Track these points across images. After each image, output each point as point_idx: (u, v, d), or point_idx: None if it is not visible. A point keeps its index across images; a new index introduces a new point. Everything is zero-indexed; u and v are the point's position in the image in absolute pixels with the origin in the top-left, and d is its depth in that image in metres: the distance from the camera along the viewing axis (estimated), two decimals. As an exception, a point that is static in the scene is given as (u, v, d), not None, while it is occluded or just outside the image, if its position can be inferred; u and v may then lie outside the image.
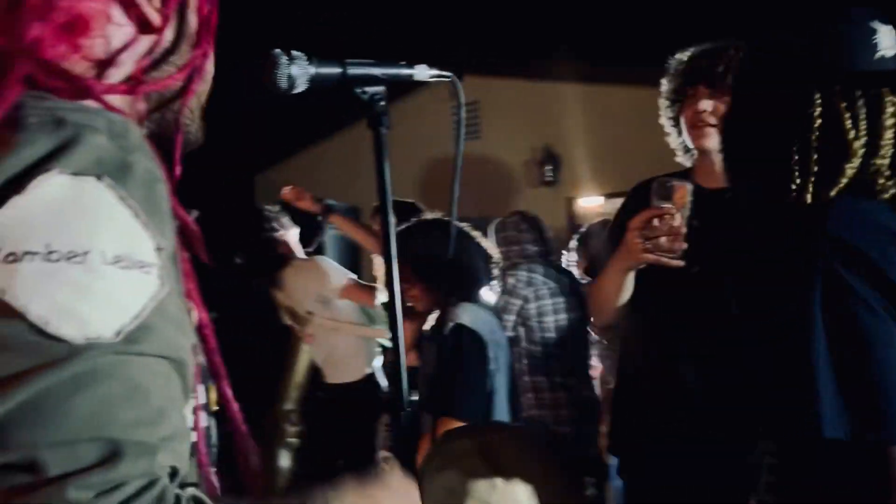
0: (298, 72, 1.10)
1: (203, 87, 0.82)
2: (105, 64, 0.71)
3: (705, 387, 1.64)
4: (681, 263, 1.67)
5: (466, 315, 2.26)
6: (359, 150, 9.13)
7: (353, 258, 6.49)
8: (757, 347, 1.51)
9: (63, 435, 0.51)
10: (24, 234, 0.53)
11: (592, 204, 7.67)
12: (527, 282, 3.34)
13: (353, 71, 1.16)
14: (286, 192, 3.43)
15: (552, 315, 3.34)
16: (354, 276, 3.65)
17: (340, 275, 3.59)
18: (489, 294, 2.51)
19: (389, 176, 1.20)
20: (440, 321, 2.30)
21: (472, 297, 2.37)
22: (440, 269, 2.17)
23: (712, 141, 1.88)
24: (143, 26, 0.74)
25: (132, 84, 0.71)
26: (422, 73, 1.24)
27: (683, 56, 1.98)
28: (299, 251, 3.73)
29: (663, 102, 2.03)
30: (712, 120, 1.87)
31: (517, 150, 7.83)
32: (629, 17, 8.09)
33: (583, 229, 4.04)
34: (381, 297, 3.38)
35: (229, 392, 0.75)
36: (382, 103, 1.19)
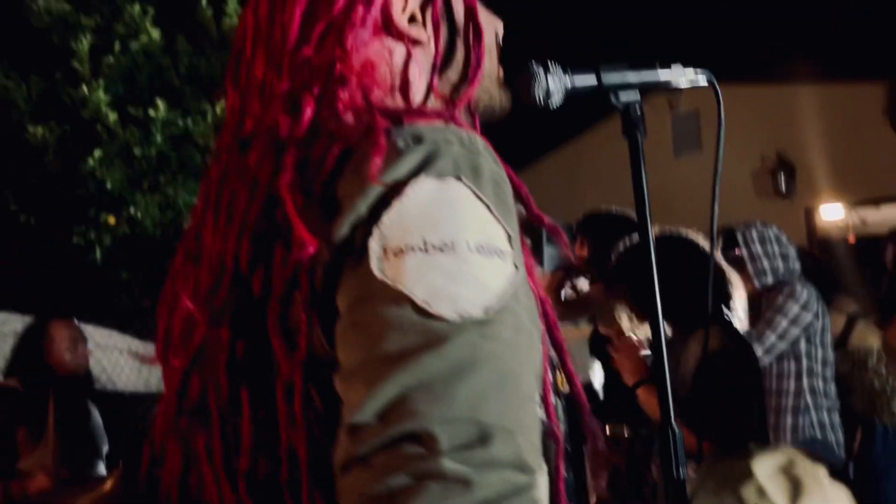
0: (555, 84, 1.09)
1: (488, 64, 0.89)
2: (402, 88, 0.82)
3: None
4: None
5: (717, 338, 2.14)
6: (578, 165, 9.11)
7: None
8: None
9: (449, 413, 0.56)
10: (405, 231, 0.62)
11: (834, 216, 6.99)
12: (816, 296, 3.16)
13: (608, 79, 1.14)
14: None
15: (828, 333, 3.16)
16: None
17: None
18: (731, 315, 2.36)
19: (646, 184, 1.16)
20: (684, 346, 2.19)
21: (717, 319, 2.24)
22: (682, 291, 2.05)
23: None
24: (415, 42, 0.83)
25: (451, 106, 0.82)
26: (677, 73, 1.18)
27: None
28: None
29: None
30: None
31: (744, 159, 7.35)
32: (866, 8, 7.35)
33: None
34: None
35: (572, 369, 0.79)
36: (638, 110, 1.16)
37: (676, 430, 1.05)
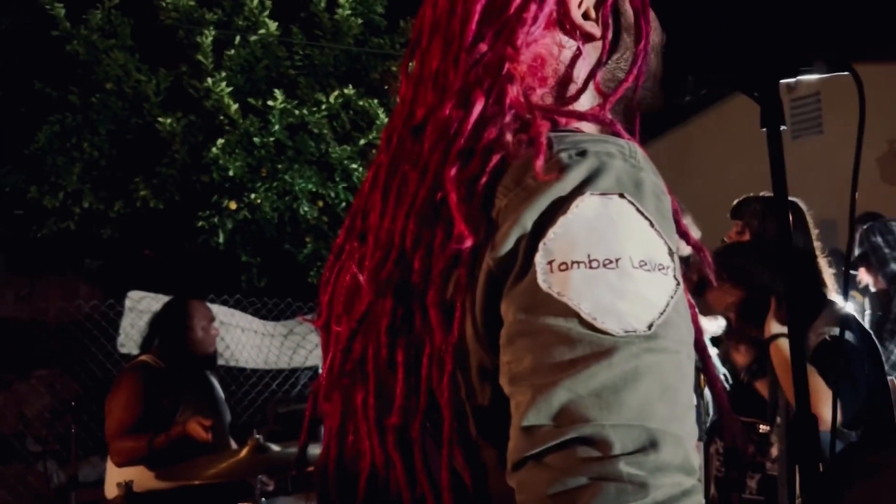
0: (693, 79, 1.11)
1: (654, 63, 0.89)
2: (564, 83, 0.83)
3: None
4: None
5: (836, 328, 2.10)
6: (685, 152, 8.90)
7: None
8: None
9: (620, 420, 0.60)
10: (571, 247, 0.64)
11: (968, 200, 6.55)
12: None
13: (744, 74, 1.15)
14: None
15: None
16: None
17: None
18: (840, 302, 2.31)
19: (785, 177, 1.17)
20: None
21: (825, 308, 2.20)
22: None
23: None
24: (587, 38, 0.84)
25: (601, 104, 0.82)
26: (819, 69, 1.18)
27: None
28: None
29: None
30: None
31: (870, 144, 6.97)
32: None
33: None
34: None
35: (715, 372, 0.80)
36: (777, 102, 1.17)
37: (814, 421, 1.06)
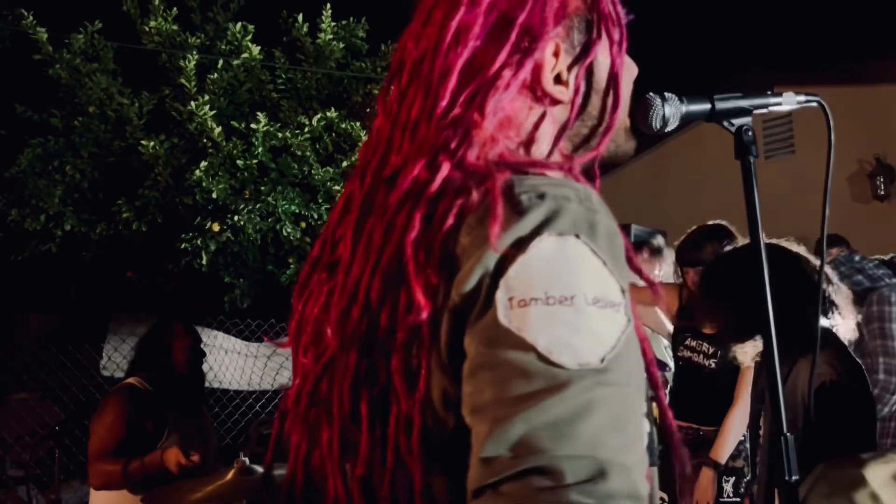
0: (671, 111, 1.18)
1: (621, 116, 0.91)
2: (529, 144, 0.86)
3: None
4: None
5: (829, 366, 1.92)
6: (663, 170, 9.01)
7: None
8: None
9: (572, 451, 0.63)
10: (529, 284, 0.68)
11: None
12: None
13: (721, 105, 1.22)
14: None
15: None
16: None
17: None
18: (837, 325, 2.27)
19: (758, 206, 1.23)
20: (793, 371, 2.01)
21: (828, 341, 2.00)
22: (788, 307, 1.93)
23: None
24: (555, 103, 0.87)
25: (567, 162, 0.85)
26: (789, 100, 1.26)
27: None
28: None
29: None
30: None
31: (840, 163, 7.14)
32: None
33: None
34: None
35: (665, 402, 0.85)
36: (750, 133, 1.23)
37: (790, 437, 1.11)
